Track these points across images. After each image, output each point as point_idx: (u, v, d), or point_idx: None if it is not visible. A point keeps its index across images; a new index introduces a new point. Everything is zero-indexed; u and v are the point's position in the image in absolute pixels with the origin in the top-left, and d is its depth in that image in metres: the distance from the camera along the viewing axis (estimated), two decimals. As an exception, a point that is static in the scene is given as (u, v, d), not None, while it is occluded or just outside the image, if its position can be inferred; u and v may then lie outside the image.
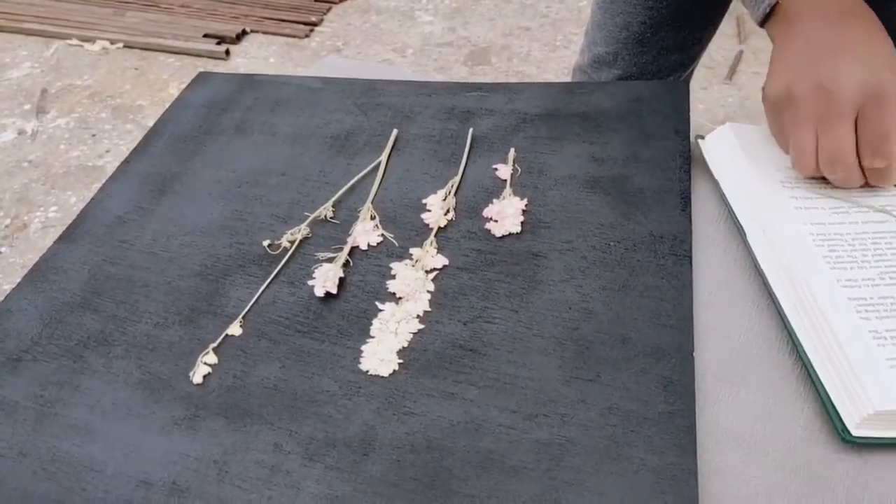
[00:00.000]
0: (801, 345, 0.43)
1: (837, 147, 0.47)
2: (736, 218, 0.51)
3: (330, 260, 0.50)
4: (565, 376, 0.42)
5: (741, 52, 2.06)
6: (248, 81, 0.69)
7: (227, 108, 0.66)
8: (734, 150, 0.55)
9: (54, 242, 0.55)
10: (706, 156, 0.56)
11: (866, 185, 0.50)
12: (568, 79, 0.98)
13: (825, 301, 0.43)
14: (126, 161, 0.62)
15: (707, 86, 1.95)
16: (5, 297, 0.51)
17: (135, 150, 0.63)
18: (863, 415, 0.38)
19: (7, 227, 1.63)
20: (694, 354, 0.42)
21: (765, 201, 0.50)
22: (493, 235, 0.51)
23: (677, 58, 0.81)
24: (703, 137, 0.58)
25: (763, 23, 0.54)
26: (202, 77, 0.71)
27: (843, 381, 0.40)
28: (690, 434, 0.39)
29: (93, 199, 0.58)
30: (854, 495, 0.37)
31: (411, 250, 0.51)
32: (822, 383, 0.41)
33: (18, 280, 0.52)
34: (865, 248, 0.46)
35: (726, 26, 2.17)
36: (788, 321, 0.44)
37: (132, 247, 0.53)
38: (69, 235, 0.55)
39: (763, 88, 0.52)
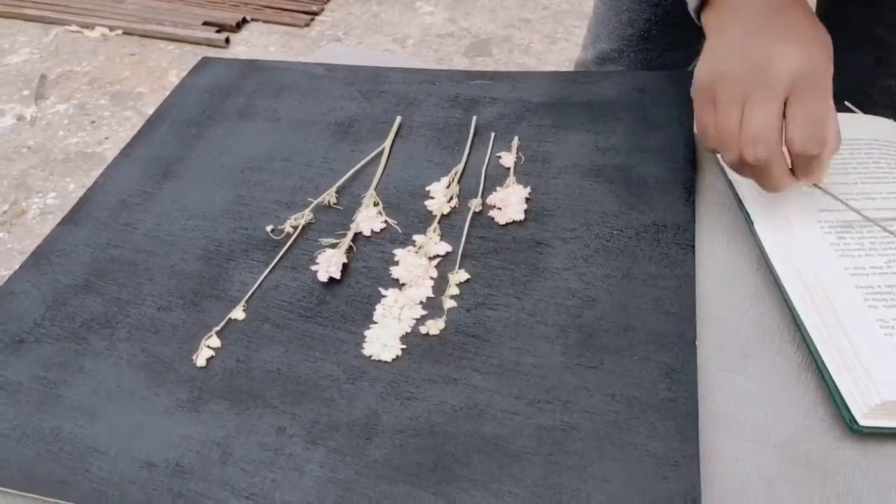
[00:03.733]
0: (808, 333, 0.42)
1: (764, 126, 0.43)
2: (742, 205, 0.51)
3: (333, 246, 0.50)
4: (568, 363, 0.42)
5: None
6: (252, 67, 0.69)
7: (230, 93, 0.66)
8: None
9: (57, 225, 0.55)
10: None
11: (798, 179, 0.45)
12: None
13: (833, 289, 0.43)
14: (129, 145, 0.61)
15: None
16: (8, 279, 0.51)
17: (138, 134, 0.63)
18: (870, 404, 0.38)
19: (5, 212, 1.63)
20: (696, 342, 0.43)
21: None
22: (497, 223, 0.51)
23: (682, 53, 0.81)
24: None
25: (699, 11, 0.51)
26: (205, 62, 0.70)
27: (850, 371, 0.40)
28: (692, 421, 0.39)
29: (96, 182, 0.58)
30: (854, 483, 0.37)
31: (414, 237, 0.51)
32: (829, 372, 0.40)
33: (16, 266, 0.52)
34: (874, 236, 0.46)
35: (727, 20, 2.16)
36: (795, 310, 0.44)
37: (135, 230, 0.53)
38: (72, 218, 0.55)
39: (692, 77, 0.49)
